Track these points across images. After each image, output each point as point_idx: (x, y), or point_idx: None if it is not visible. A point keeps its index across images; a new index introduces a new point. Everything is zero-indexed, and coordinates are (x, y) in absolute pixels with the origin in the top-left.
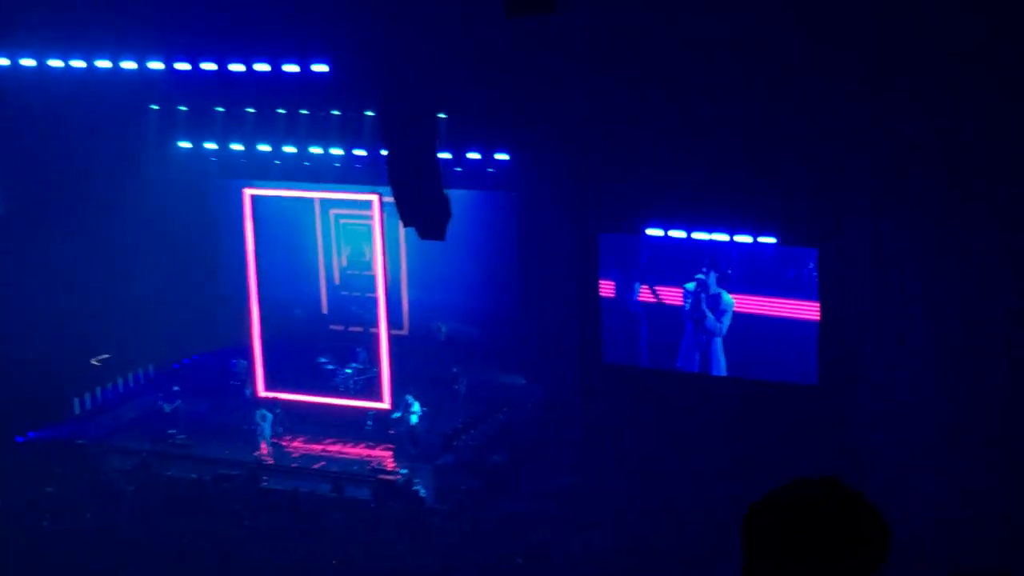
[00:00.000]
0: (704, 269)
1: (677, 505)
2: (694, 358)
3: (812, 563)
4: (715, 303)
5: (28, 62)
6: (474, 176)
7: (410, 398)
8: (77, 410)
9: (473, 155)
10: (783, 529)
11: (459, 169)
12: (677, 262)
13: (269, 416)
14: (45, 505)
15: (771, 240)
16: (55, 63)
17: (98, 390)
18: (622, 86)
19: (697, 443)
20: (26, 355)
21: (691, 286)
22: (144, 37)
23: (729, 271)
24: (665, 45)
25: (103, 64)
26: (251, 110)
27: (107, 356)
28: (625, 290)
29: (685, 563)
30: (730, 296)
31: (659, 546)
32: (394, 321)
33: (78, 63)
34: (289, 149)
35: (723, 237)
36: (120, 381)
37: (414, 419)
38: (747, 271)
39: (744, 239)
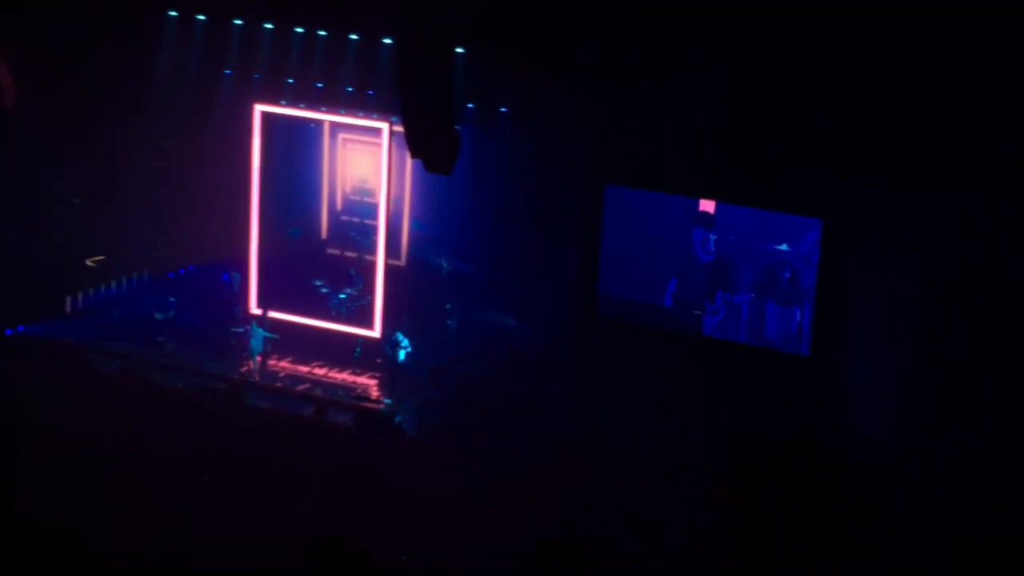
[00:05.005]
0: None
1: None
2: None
3: None
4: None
5: None
6: (488, 114)
7: (400, 335)
8: (68, 309)
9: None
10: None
11: (471, 105)
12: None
13: (260, 333)
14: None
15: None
16: None
17: (91, 291)
18: (637, 37)
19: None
20: (23, 251)
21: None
22: None
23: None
24: None
25: None
26: (269, 26)
27: (103, 258)
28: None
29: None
30: None
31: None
32: (393, 252)
33: None
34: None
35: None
36: (114, 284)
37: (402, 355)
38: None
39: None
